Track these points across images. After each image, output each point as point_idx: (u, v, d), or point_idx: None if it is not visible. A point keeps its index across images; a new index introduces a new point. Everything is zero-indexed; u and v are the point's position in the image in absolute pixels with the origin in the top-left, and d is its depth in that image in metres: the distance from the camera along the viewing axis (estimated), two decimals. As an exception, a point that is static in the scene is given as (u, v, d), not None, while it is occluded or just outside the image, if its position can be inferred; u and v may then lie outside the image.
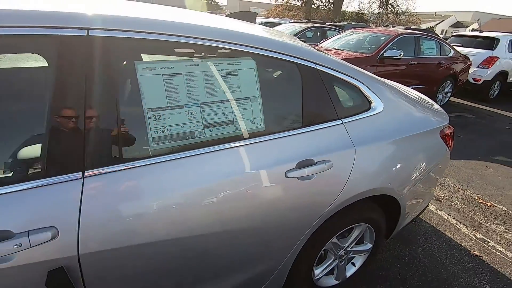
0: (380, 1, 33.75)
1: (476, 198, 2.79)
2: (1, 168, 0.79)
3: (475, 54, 6.80)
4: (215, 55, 1.01)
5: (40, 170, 0.79)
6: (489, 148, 4.06)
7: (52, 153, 0.79)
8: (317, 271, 1.53)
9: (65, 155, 0.80)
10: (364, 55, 4.66)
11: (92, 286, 0.86)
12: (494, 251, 2.11)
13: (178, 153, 0.94)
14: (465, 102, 6.81)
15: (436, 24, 44.42)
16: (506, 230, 2.36)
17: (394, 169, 1.41)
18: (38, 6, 0.81)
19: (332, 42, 5.93)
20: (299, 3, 38.87)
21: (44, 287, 0.79)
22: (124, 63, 0.90)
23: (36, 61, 1.21)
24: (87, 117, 0.81)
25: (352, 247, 1.59)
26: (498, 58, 6.64)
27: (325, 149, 1.20)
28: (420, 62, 5.27)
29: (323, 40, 6.88)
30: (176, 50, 0.95)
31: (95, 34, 0.82)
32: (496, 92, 7.08)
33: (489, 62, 6.71)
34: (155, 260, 0.94)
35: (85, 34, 0.81)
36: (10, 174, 0.79)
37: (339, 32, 8.27)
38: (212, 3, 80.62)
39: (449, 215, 2.49)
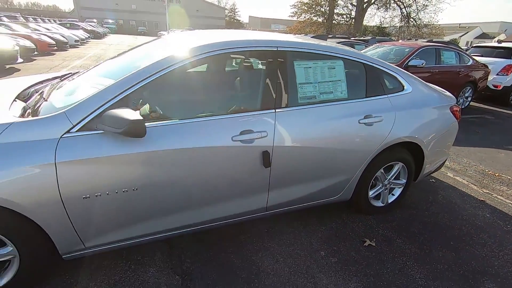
0: (402, 15, 34.35)
1: (487, 170, 3.58)
2: (251, 106, 1.83)
3: (494, 63, 7.49)
4: (325, 58, 2.02)
5: (259, 107, 1.81)
6: (503, 141, 4.78)
7: (265, 100, 1.81)
8: (370, 192, 2.44)
9: (269, 102, 1.82)
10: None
11: (275, 163, 1.84)
12: (496, 199, 2.91)
13: (309, 105, 1.94)
14: (486, 106, 7.44)
15: (460, 36, 44.13)
16: (508, 189, 3.14)
17: (419, 127, 2.32)
18: (261, 37, 1.87)
19: (362, 55, 6.87)
20: (320, 19, 40.20)
21: (258, 160, 1.78)
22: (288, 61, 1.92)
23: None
24: (277, 85, 1.83)
25: (392, 180, 2.49)
26: (516, 66, 7.28)
27: (378, 110, 2.15)
28: (440, 70, 6.09)
29: (352, 53, 7.83)
30: (309, 55, 1.97)
31: (280, 49, 1.85)
32: (516, 97, 7.65)
33: (507, 69, 7.37)
34: (300, 157, 1.92)
35: (276, 49, 1.84)
36: (252, 109, 1.83)
37: (365, 46, 9.22)
38: (234, 21, 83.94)
39: (463, 179, 3.30)
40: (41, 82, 2.21)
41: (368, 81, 2.17)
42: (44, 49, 12.09)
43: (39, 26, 17.40)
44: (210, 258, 1.93)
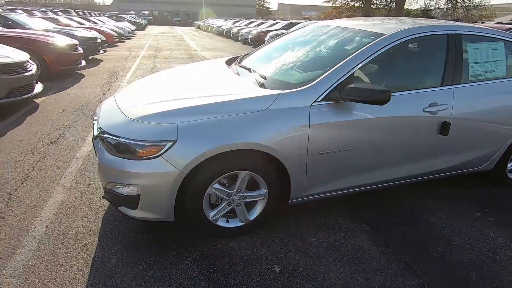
0: (448, -4, 32.14)
1: None
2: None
3: None
4: (489, 40, 2.25)
5: (440, 84, 2.10)
6: None
7: (445, 77, 2.10)
8: (509, 165, 2.66)
9: (448, 78, 2.10)
10: None
11: (453, 128, 2.13)
12: None
13: (476, 82, 2.20)
14: None
15: (514, 17, 40.52)
16: None
17: None
18: (439, 23, 2.15)
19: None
20: (357, 4, 38.62)
21: (436, 128, 2.09)
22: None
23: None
24: (454, 64, 2.11)
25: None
26: None
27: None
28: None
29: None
30: (477, 38, 2.21)
31: (457, 32, 2.12)
32: None
33: None
34: (468, 127, 2.19)
35: (454, 32, 2.12)
36: (435, 85, 2.12)
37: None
38: (264, 8, 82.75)
39: None
40: (227, 64, 2.67)
41: (523, 61, 2.38)
42: (110, 40, 13.03)
43: (96, 19, 18.64)
44: (385, 213, 2.29)
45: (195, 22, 42.12)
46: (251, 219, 1.95)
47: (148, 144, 1.61)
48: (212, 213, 1.85)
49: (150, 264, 1.74)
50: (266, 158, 1.78)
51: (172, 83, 2.31)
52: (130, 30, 19.06)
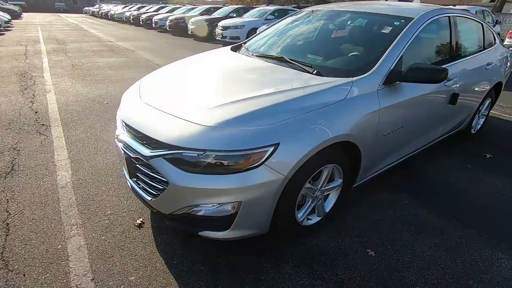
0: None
1: None
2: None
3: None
4: (470, 21, 2.67)
5: (449, 60, 2.40)
6: None
7: (452, 54, 2.41)
8: (473, 122, 3.28)
9: (454, 55, 2.42)
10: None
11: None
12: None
13: (464, 58, 2.60)
14: None
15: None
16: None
17: (505, 71, 3.19)
18: (436, 7, 2.41)
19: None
20: (261, -12, 39.76)
21: (446, 99, 2.41)
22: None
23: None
24: (455, 42, 2.43)
25: (484, 110, 3.37)
26: None
27: (491, 59, 2.93)
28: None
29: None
30: (464, 20, 2.60)
31: (453, 15, 2.45)
32: None
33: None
34: (464, 96, 2.60)
35: (452, 15, 2.43)
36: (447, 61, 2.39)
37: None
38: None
39: None
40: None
41: (485, 37, 2.92)
42: (-13, 33, 10.18)
43: None
44: (411, 181, 2.56)
45: (86, 8, 36.39)
46: (327, 211, 1.92)
47: (247, 152, 1.38)
48: (299, 214, 1.74)
49: (254, 284, 1.55)
50: (344, 147, 1.75)
51: (207, 80, 1.99)
52: (7, 20, 15.21)
